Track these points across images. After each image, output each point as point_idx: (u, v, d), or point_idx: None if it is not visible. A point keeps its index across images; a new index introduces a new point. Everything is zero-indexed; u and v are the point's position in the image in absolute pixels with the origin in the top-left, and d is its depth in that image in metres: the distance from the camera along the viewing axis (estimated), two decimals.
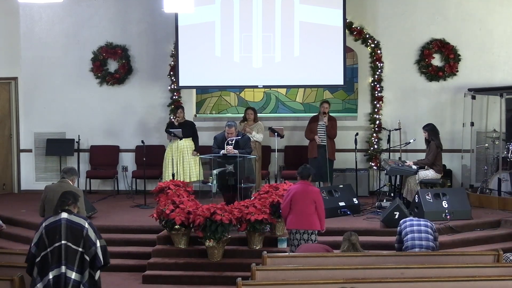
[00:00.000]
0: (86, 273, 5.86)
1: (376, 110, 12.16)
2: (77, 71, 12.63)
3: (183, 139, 11.02)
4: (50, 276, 5.74)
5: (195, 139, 11.29)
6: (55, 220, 5.88)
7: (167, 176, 10.98)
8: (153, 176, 11.96)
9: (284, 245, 8.76)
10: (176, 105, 12.10)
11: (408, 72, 12.17)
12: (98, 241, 5.94)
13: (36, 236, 5.88)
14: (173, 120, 11.39)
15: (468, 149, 11.80)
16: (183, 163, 11.11)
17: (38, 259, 5.79)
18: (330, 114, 11.39)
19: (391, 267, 6.15)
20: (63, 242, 5.80)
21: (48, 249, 5.79)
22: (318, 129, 11.21)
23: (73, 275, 5.79)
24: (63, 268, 5.76)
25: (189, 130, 11.22)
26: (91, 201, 10.56)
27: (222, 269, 8.61)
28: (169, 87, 12.43)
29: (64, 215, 5.90)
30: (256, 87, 12.52)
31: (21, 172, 12.85)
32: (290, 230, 8.17)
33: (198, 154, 11.14)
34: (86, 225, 5.89)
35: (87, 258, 5.85)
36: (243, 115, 11.71)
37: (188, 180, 11.00)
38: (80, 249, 5.84)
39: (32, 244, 5.88)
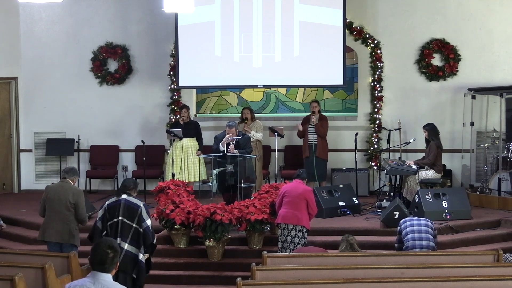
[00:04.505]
0: (142, 249, 6.91)
1: (376, 110, 12.16)
2: (77, 71, 12.63)
3: (188, 139, 11.01)
4: None
5: (199, 139, 11.27)
6: (116, 200, 7.00)
7: (170, 175, 10.97)
8: (153, 176, 11.97)
9: None
10: (180, 105, 12.02)
11: (408, 72, 12.17)
12: (148, 220, 6.97)
13: (100, 213, 7.01)
14: (178, 119, 11.37)
15: (468, 149, 11.80)
16: (187, 163, 11.08)
17: (104, 233, 6.88)
18: (322, 113, 11.47)
19: (391, 267, 6.14)
20: (120, 218, 6.88)
21: (108, 223, 6.90)
22: (308, 129, 11.27)
23: (126, 246, 6.83)
24: (119, 240, 6.78)
25: (193, 130, 11.20)
26: (91, 201, 10.55)
27: (222, 269, 8.61)
28: (169, 87, 12.44)
29: (124, 196, 7.00)
30: (256, 87, 12.52)
31: (21, 172, 12.85)
32: (278, 225, 8.25)
33: (202, 154, 11.13)
34: (141, 206, 6.98)
35: (141, 230, 6.88)
36: (240, 115, 11.72)
37: (192, 180, 11.00)
38: (135, 225, 6.89)
39: (97, 219, 7.01)
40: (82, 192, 7.77)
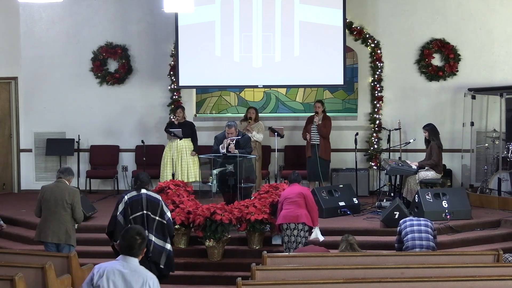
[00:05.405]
0: (168, 239, 7.29)
1: (376, 110, 12.16)
2: (77, 71, 12.62)
3: (183, 139, 11.01)
4: None
5: (194, 140, 11.28)
6: (137, 195, 7.30)
7: (165, 175, 11.00)
8: (153, 176, 11.90)
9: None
10: (176, 105, 12.09)
11: (408, 72, 12.17)
12: (168, 212, 7.39)
13: (120, 207, 7.26)
14: (173, 119, 11.39)
15: (468, 149, 11.80)
16: (181, 163, 11.11)
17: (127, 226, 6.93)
18: (327, 113, 11.48)
19: (391, 267, 6.15)
20: (144, 211, 7.22)
21: (131, 217, 7.19)
22: (311, 129, 11.27)
23: (153, 238, 7.20)
24: (146, 232, 6.82)
25: (188, 130, 11.22)
26: (91, 201, 10.56)
27: (222, 269, 8.62)
28: (169, 87, 12.43)
29: (144, 191, 7.32)
30: (256, 87, 12.52)
31: (21, 172, 12.84)
32: (280, 226, 8.28)
33: (197, 155, 11.15)
34: (161, 199, 7.39)
35: (164, 222, 7.28)
36: (243, 114, 11.72)
37: (186, 180, 10.98)
38: (158, 218, 7.26)
39: (118, 213, 7.26)
40: (78, 191, 7.76)
